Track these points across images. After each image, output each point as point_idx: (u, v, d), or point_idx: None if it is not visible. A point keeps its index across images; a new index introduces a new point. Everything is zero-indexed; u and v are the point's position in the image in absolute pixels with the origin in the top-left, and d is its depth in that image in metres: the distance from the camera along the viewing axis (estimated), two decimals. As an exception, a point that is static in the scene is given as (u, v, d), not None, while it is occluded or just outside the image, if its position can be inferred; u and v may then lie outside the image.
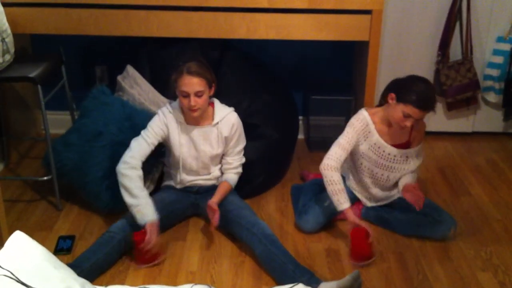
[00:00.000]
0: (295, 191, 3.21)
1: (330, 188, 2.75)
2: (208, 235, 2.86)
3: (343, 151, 2.79)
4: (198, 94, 2.65)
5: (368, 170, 2.87)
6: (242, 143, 2.92)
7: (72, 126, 3.16)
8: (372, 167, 2.85)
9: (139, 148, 2.73)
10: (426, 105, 2.62)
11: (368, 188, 2.92)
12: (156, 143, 2.78)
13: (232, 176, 2.90)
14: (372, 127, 2.79)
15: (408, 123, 2.65)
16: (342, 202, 2.72)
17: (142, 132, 2.77)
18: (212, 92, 2.75)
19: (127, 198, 2.65)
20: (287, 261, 2.52)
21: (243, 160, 2.94)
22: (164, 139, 2.80)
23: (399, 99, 2.65)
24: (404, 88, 2.66)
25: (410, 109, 2.62)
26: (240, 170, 2.93)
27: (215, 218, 2.68)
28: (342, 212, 2.74)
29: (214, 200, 2.75)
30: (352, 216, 2.71)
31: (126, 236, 2.62)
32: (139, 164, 2.71)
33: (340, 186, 2.74)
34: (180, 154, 2.81)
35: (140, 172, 2.70)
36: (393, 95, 2.69)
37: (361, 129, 2.80)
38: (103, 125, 2.99)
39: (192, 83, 2.63)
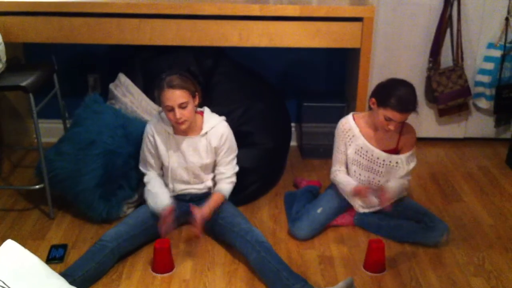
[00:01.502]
0: (289, 198, 3.21)
1: (339, 186, 2.92)
2: (201, 242, 2.85)
3: (340, 163, 2.92)
4: (182, 106, 2.64)
5: (360, 175, 2.88)
6: (234, 152, 2.91)
7: (65, 135, 3.15)
8: (363, 172, 2.86)
9: (148, 167, 2.89)
10: (405, 107, 2.64)
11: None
12: (155, 154, 2.84)
13: (225, 186, 2.87)
14: (356, 130, 2.82)
15: (392, 127, 2.68)
16: (347, 187, 2.86)
17: (142, 153, 2.88)
18: (196, 101, 2.73)
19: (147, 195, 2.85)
20: (280, 268, 2.51)
21: (237, 168, 2.93)
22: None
23: (379, 104, 2.69)
24: (383, 92, 2.70)
25: (390, 113, 2.64)
26: (234, 179, 2.91)
27: (198, 228, 2.69)
28: (352, 190, 2.83)
29: (204, 211, 2.72)
30: (360, 188, 2.80)
31: (119, 245, 2.62)
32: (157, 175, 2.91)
33: (345, 179, 2.89)
34: (169, 164, 2.81)
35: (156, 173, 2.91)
36: (373, 99, 2.73)
37: (343, 134, 2.85)
38: (96, 133, 2.99)
39: (175, 96, 2.62)
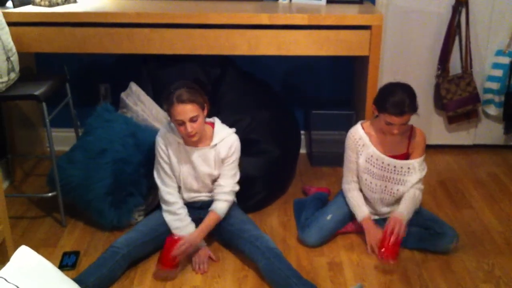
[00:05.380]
0: (298, 205, 3.23)
1: (350, 205, 2.93)
2: (211, 249, 2.86)
3: (352, 172, 2.93)
4: (193, 120, 2.64)
5: (371, 184, 2.88)
6: (236, 167, 2.87)
7: (76, 143, 3.19)
8: (374, 181, 2.87)
9: (166, 179, 2.83)
10: (401, 111, 2.65)
11: (375, 205, 2.93)
12: (170, 163, 2.82)
13: (221, 205, 2.80)
14: (366, 139, 2.84)
15: (395, 130, 2.70)
16: (358, 214, 2.88)
17: (157, 165, 2.84)
18: (206, 112, 2.74)
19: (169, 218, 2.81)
20: (290, 274, 2.53)
21: (236, 188, 2.88)
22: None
23: (379, 109, 2.73)
24: (380, 98, 2.74)
25: (388, 117, 2.68)
26: (229, 198, 2.83)
27: (203, 268, 2.71)
28: (360, 222, 2.87)
29: (195, 238, 2.72)
30: (368, 226, 2.82)
31: (130, 251, 2.64)
32: (176, 193, 2.85)
33: (356, 201, 2.91)
34: (180, 174, 2.83)
35: (181, 202, 2.84)
36: (374, 106, 2.77)
37: (354, 144, 2.87)
38: (107, 142, 3.02)
39: (185, 111, 2.61)
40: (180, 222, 2.78)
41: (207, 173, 2.83)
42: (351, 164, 2.91)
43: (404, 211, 2.78)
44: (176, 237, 2.66)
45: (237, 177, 2.88)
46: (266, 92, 3.52)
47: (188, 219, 2.80)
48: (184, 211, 2.81)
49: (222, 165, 2.84)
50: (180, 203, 2.82)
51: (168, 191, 2.82)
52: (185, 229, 2.75)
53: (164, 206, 2.83)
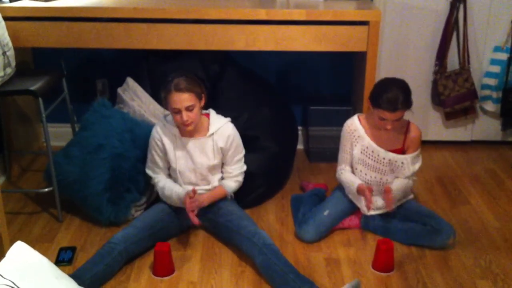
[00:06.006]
0: (295, 201, 3.23)
1: (345, 187, 2.94)
2: (208, 245, 2.87)
3: (346, 162, 2.96)
4: (189, 109, 2.67)
5: (366, 175, 2.89)
6: (241, 152, 2.94)
7: (73, 139, 3.18)
8: (369, 172, 2.88)
9: (156, 169, 2.90)
10: (394, 106, 2.67)
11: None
12: (163, 156, 2.86)
13: (230, 183, 2.90)
14: (362, 131, 2.86)
15: (388, 126, 2.72)
16: (352, 188, 2.87)
17: (149, 157, 2.89)
18: (203, 103, 2.77)
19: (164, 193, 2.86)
20: (287, 270, 2.53)
21: (244, 168, 2.96)
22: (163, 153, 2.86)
23: (373, 104, 2.75)
24: (375, 93, 2.76)
25: (382, 113, 2.70)
26: (240, 178, 2.94)
27: (191, 207, 2.70)
28: (357, 190, 2.85)
29: (201, 198, 2.77)
30: (363, 188, 2.83)
31: (127, 247, 2.64)
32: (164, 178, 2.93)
33: (349, 178, 2.91)
34: (177, 167, 2.83)
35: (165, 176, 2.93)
36: (369, 101, 2.78)
37: (349, 134, 2.90)
38: (104, 137, 3.01)
39: (182, 99, 2.65)
40: (171, 189, 2.83)
41: (205, 164, 2.83)
42: (345, 154, 2.94)
43: (393, 186, 2.83)
44: (165, 246, 2.65)
45: (243, 160, 2.95)
46: (264, 88, 3.52)
47: (174, 183, 2.88)
48: (169, 180, 2.90)
49: (221, 154, 2.86)
50: (165, 180, 2.91)
51: (157, 176, 2.90)
52: (177, 190, 2.81)
53: (160, 192, 2.88)
